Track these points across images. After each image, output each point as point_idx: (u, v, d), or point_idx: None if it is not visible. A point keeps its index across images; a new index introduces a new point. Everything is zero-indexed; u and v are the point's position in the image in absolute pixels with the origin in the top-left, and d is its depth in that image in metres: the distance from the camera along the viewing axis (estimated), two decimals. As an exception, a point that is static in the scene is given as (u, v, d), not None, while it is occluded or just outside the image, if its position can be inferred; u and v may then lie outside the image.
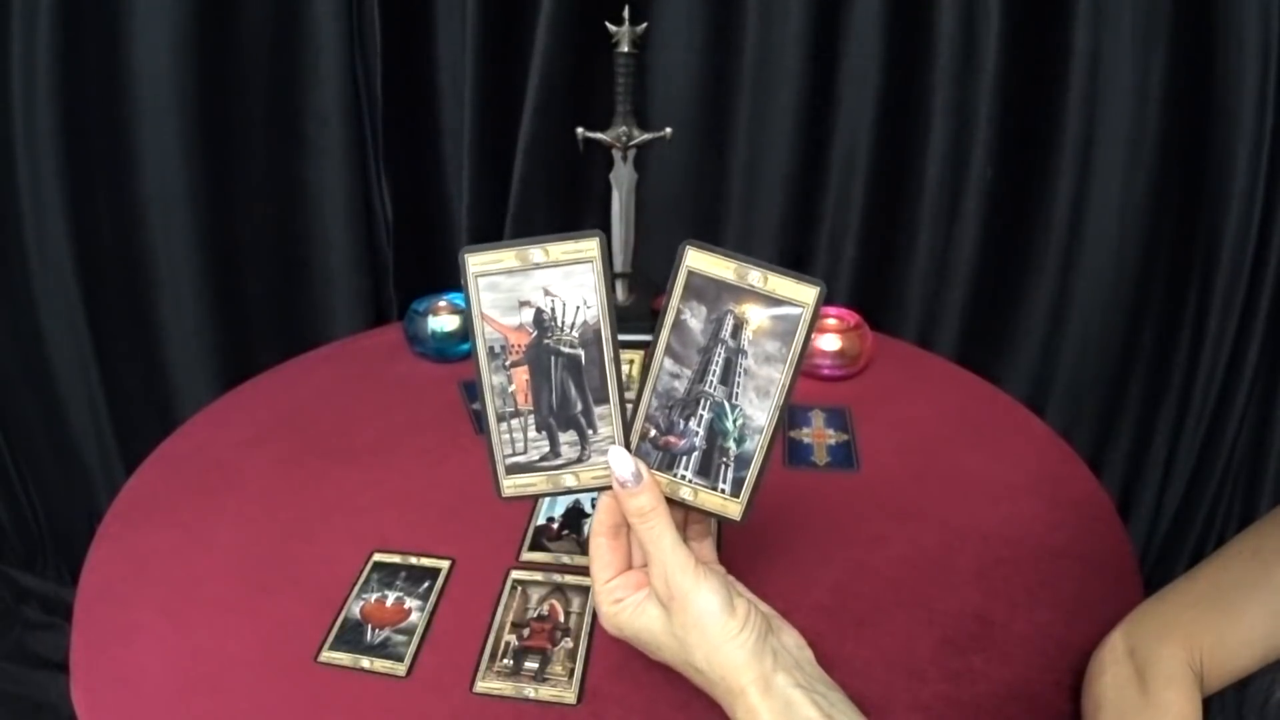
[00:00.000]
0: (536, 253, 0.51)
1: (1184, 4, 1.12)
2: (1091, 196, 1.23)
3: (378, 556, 0.70)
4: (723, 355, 0.52)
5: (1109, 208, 1.23)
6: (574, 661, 0.60)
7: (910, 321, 1.33)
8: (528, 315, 0.52)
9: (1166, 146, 1.19)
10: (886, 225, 1.28)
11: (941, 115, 1.19)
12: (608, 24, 0.92)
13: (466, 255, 0.51)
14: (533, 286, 0.51)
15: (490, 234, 1.31)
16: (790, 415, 0.90)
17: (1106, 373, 1.33)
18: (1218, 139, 1.17)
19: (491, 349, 0.52)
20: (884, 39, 1.17)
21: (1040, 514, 0.76)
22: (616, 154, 0.98)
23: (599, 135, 0.97)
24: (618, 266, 1.03)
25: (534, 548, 0.71)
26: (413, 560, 0.69)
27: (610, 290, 0.52)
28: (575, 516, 0.74)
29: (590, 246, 0.51)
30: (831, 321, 0.99)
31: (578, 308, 0.52)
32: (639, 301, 1.02)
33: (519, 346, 0.52)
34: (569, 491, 0.54)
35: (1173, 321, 1.29)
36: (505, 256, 0.51)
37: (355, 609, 0.64)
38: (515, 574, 0.68)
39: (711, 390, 0.52)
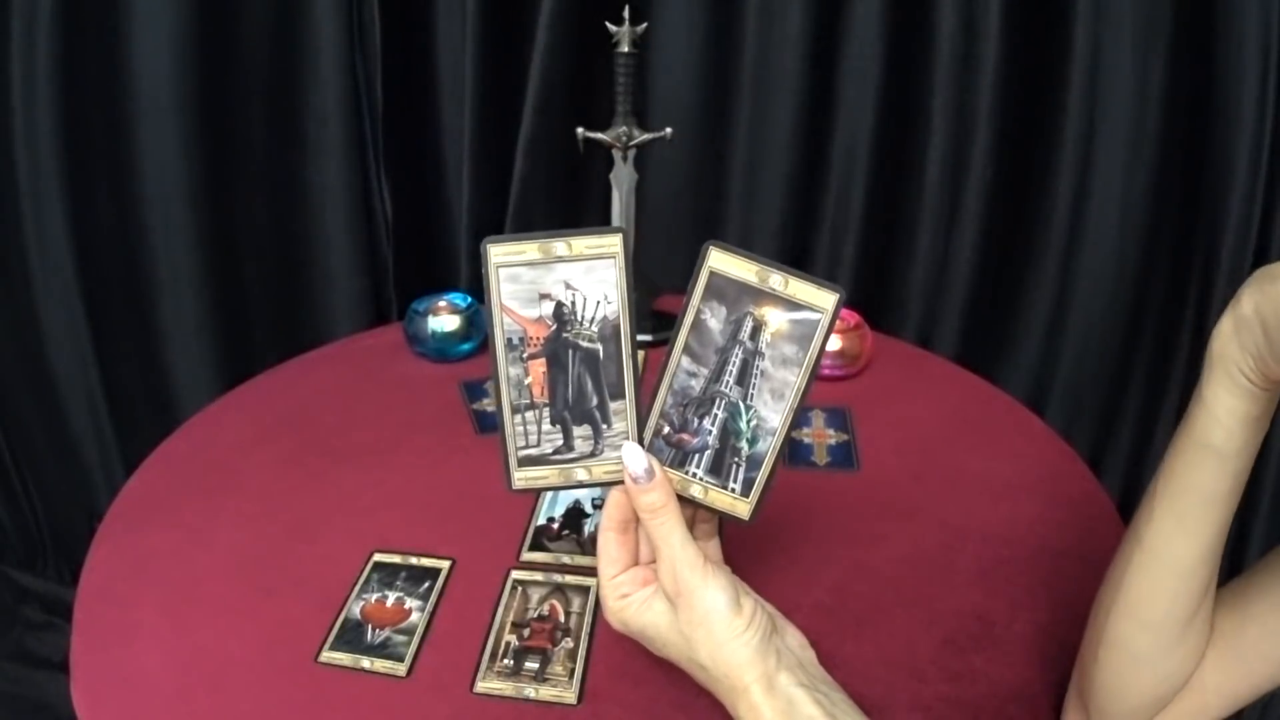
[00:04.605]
0: (559, 246, 0.51)
1: (1184, 4, 1.12)
2: (1091, 196, 1.23)
3: (378, 556, 0.70)
4: (740, 356, 0.52)
5: (1109, 208, 1.23)
6: (574, 662, 0.60)
7: (910, 321, 1.33)
8: (548, 308, 0.52)
9: (1166, 146, 1.19)
10: (886, 225, 1.28)
11: (941, 115, 1.19)
12: (608, 24, 0.92)
13: (489, 245, 0.51)
14: (554, 280, 0.51)
15: (490, 233, 1.31)
16: (790, 415, 0.90)
17: (1106, 373, 1.33)
18: (1218, 139, 1.16)
19: (509, 340, 0.52)
20: (884, 39, 1.17)
21: (1040, 514, 0.76)
22: (616, 154, 0.98)
23: (599, 135, 0.97)
24: (618, 266, 1.03)
25: (534, 548, 0.71)
26: (413, 560, 0.69)
27: (631, 286, 0.52)
28: (575, 517, 0.74)
29: (613, 242, 0.51)
30: (832, 321, 0.99)
31: (598, 303, 0.52)
32: (639, 301, 1.02)
33: (537, 339, 0.52)
34: (580, 485, 0.54)
35: (1173, 321, 1.29)
36: (527, 249, 0.51)
37: (355, 609, 0.64)
38: (515, 574, 0.68)
39: (727, 390, 0.52)
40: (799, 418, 0.89)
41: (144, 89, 1.22)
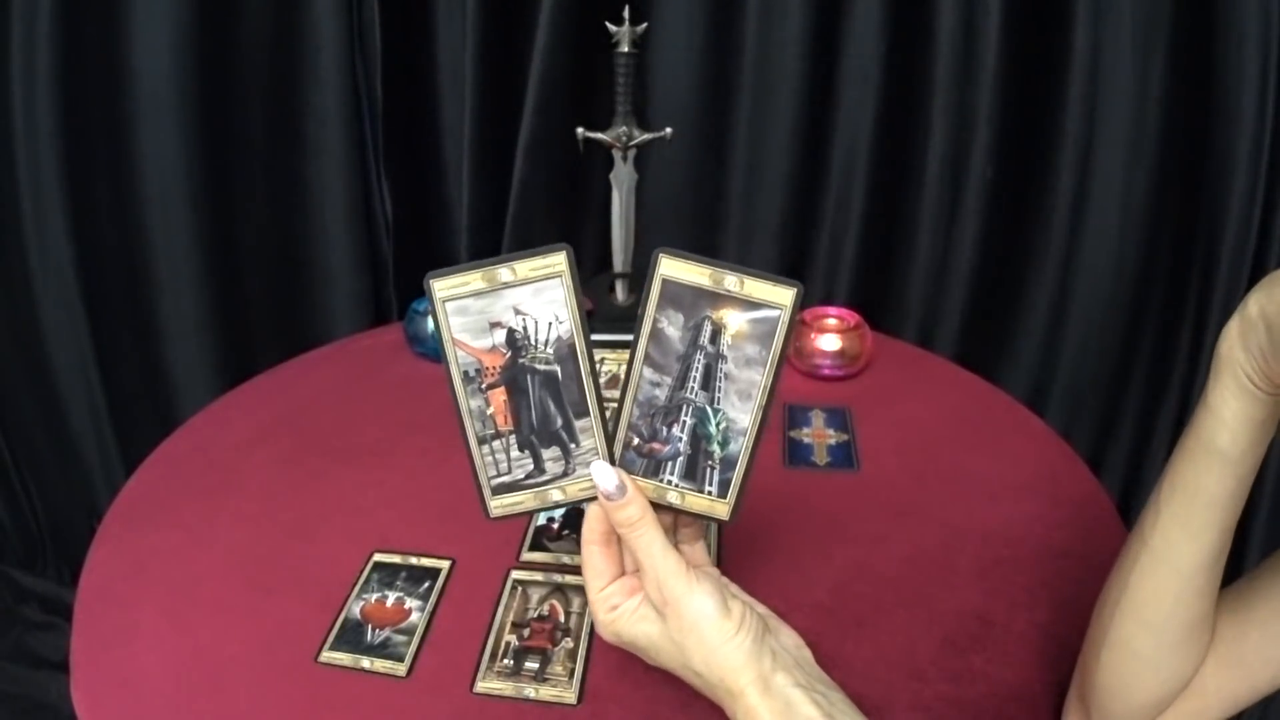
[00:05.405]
0: (504, 272, 0.50)
1: (1184, 4, 1.12)
2: (1091, 196, 1.23)
3: (378, 556, 0.70)
4: (702, 361, 0.51)
5: (1109, 208, 1.23)
6: (574, 661, 0.60)
7: (910, 321, 1.33)
8: (500, 336, 0.51)
9: (1166, 146, 1.19)
10: (886, 225, 1.28)
11: (941, 115, 1.19)
12: (608, 24, 0.92)
13: (432, 280, 0.50)
14: (503, 307, 0.51)
15: (490, 234, 1.31)
16: (790, 415, 0.90)
17: (1106, 373, 1.33)
18: (1218, 139, 1.17)
19: (466, 373, 0.52)
20: (884, 39, 1.17)
21: (1040, 514, 0.76)
22: (616, 154, 0.98)
23: (599, 135, 0.97)
24: (617, 266, 1.03)
25: (534, 548, 0.71)
26: (413, 560, 0.69)
27: (581, 303, 0.51)
28: (575, 517, 0.74)
29: (558, 261, 0.50)
30: (831, 321, 0.99)
31: (550, 324, 0.51)
32: (639, 302, 1.02)
33: (493, 369, 0.51)
34: (557, 506, 0.54)
35: (1173, 321, 1.29)
36: (472, 279, 0.50)
37: (355, 609, 0.64)
38: (515, 574, 0.68)
39: (693, 396, 0.52)
40: (795, 417, 0.90)
41: (144, 89, 1.22)
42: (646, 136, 0.97)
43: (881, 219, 1.27)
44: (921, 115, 1.21)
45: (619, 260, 1.03)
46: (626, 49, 0.92)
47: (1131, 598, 0.49)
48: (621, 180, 0.99)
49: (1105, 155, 1.21)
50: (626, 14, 0.91)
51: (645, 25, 0.92)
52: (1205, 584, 0.48)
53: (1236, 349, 0.42)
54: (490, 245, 1.31)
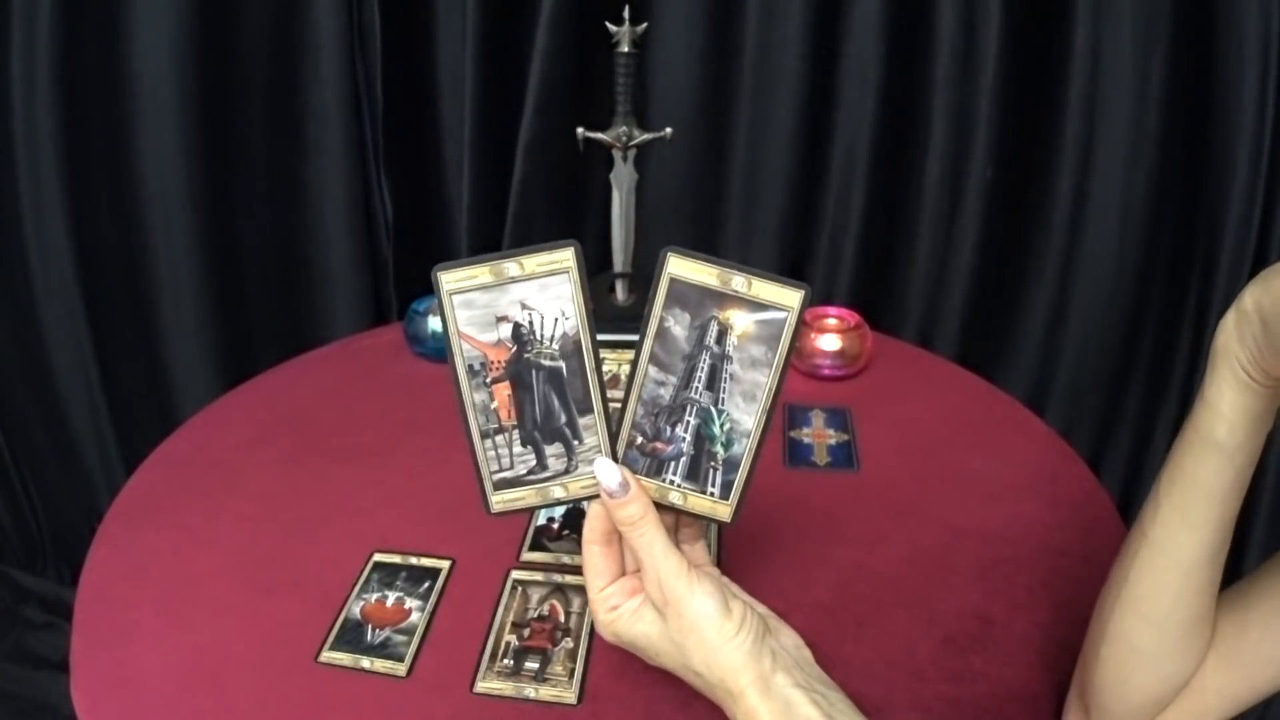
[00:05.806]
0: (511, 266, 0.50)
1: (1184, 4, 1.12)
2: (1091, 197, 1.23)
3: (378, 556, 0.70)
4: (708, 361, 0.51)
5: (1109, 208, 1.23)
6: (574, 661, 0.60)
7: (910, 321, 1.33)
8: (505, 331, 0.51)
9: (1166, 146, 1.19)
10: (886, 225, 1.28)
11: (941, 115, 1.19)
12: (608, 24, 0.92)
13: (439, 273, 0.50)
14: (509, 301, 0.51)
15: (491, 234, 1.31)
16: (790, 415, 0.90)
17: (1106, 373, 1.33)
18: (1218, 139, 1.16)
19: (471, 367, 0.52)
20: (884, 39, 1.17)
21: (1040, 514, 0.76)
22: (616, 154, 0.98)
23: (599, 135, 0.97)
24: (617, 266, 1.03)
25: (534, 548, 0.71)
26: (413, 560, 0.69)
27: (588, 299, 0.51)
28: (575, 516, 0.74)
29: (565, 257, 0.50)
30: (831, 321, 0.99)
31: (556, 320, 0.51)
32: (639, 302, 1.02)
33: (498, 363, 0.52)
34: (559, 503, 0.54)
35: (1173, 321, 1.29)
36: (479, 272, 0.50)
37: (355, 609, 0.65)
38: (515, 574, 0.68)
39: (697, 396, 0.52)
40: (795, 417, 0.90)
41: (144, 89, 1.22)
42: (646, 136, 0.97)
43: (881, 219, 1.27)
44: (921, 115, 1.21)
45: (619, 260, 1.03)
46: (626, 49, 0.92)
47: (1131, 592, 0.50)
48: (621, 180, 0.99)
49: (1105, 155, 1.21)
50: (626, 14, 0.91)
51: (645, 25, 0.93)
52: (1205, 579, 0.48)
53: (1233, 342, 0.43)
54: (490, 245, 1.31)
